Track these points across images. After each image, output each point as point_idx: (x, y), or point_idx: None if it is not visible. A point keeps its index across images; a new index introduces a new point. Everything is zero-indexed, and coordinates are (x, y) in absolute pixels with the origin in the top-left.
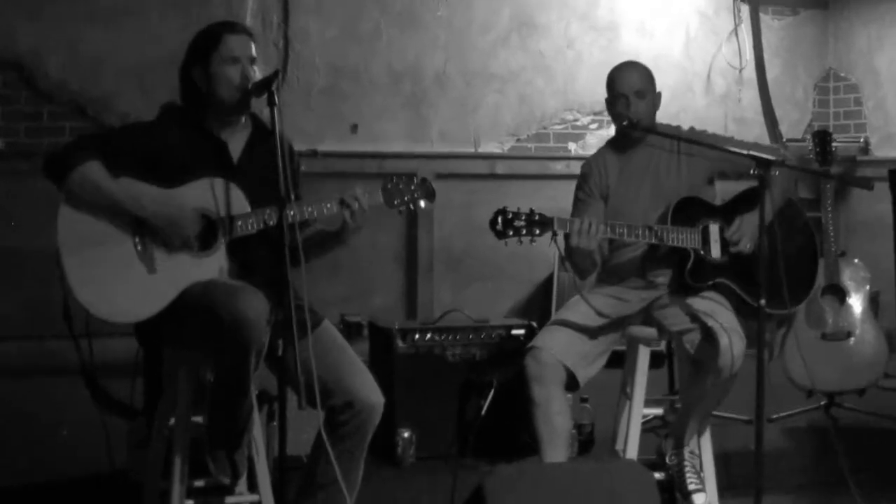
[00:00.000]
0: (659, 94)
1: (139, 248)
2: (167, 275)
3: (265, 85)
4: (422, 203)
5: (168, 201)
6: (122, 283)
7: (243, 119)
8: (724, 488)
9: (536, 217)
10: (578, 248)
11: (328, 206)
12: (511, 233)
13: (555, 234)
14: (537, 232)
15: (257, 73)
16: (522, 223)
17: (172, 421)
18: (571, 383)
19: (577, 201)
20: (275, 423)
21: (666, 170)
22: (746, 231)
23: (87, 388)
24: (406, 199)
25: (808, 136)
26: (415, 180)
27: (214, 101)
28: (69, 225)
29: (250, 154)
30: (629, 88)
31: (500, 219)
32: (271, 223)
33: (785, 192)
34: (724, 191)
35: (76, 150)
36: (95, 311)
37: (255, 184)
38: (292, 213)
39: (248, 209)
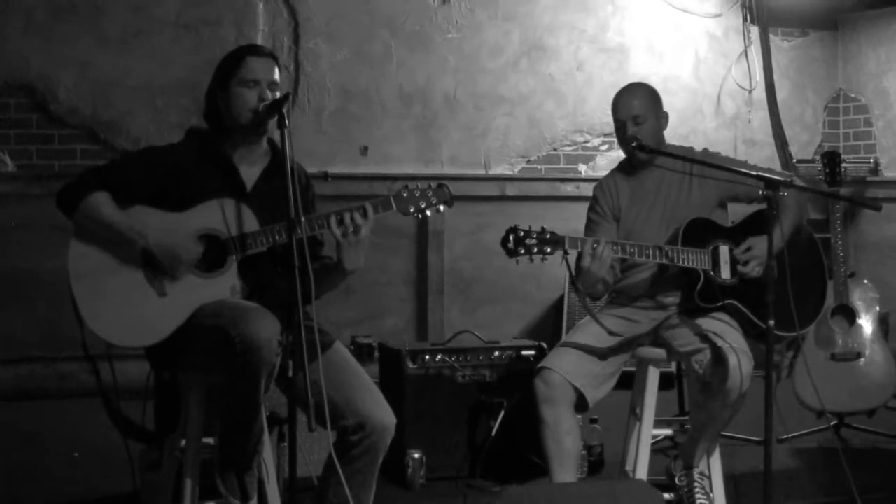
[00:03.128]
0: (666, 115)
1: (148, 273)
2: (178, 297)
3: (275, 107)
4: (440, 208)
5: (171, 229)
6: (133, 308)
7: (263, 145)
8: None
9: (548, 235)
10: (590, 270)
11: (335, 217)
12: (522, 251)
13: (566, 254)
14: (548, 250)
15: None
16: (534, 241)
17: (183, 443)
18: (581, 404)
19: (590, 222)
20: (285, 445)
21: (677, 192)
22: (757, 254)
23: (106, 411)
24: (422, 205)
25: (818, 157)
26: (431, 186)
27: (231, 123)
28: (79, 257)
29: (266, 183)
30: (626, 115)
31: (511, 237)
32: (280, 239)
33: (798, 219)
34: (736, 214)
35: (84, 183)
36: (108, 338)
37: (267, 211)
38: (302, 230)
39: (258, 228)
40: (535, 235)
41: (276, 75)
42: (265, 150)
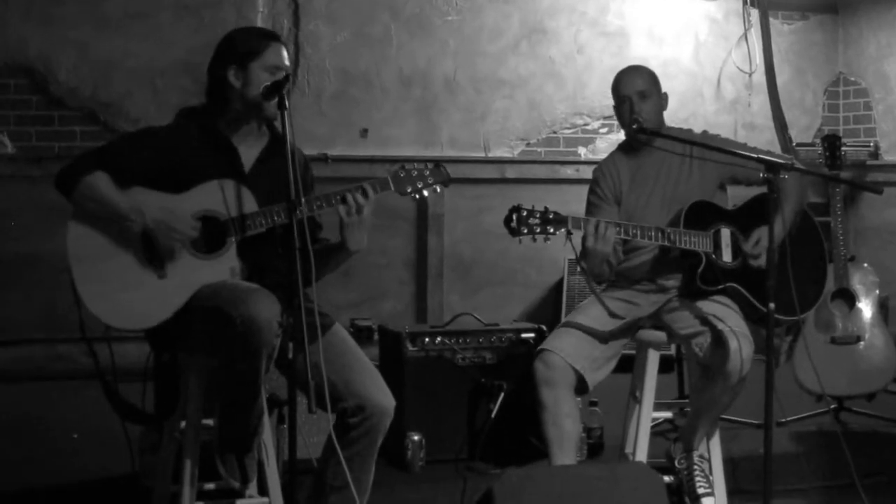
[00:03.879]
0: (665, 96)
1: (148, 254)
2: (177, 279)
3: (276, 89)
4: (437, 188)
5: (171, 208)
6: (132, 290)
7: (260, 128)
8: (733, 492)
9: (551, 215)
10: (595, 249)
11: (336, 197)
12: (525, 231)
13: (569, 234)
14: (551, 230)
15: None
16: (537, 221)
17: (183, 424)
18: (581, 387)
19: (590, 205)
20: (285, 427)
21: (678, 174)
22: (765, 245)
23: (104, 393)
24: (420, 185)
25: (818, 141)
26: (428, 166)
27: (239, 102)
28: (78, 239)
29: (263, 164)
30: (632, 90)
31: (514, 216)
32: (280, 220)
33: (799, 203)
34: (736, 197)
35: (83, 163)
36: (108, 320)
37: (266, 192)
38: (301, 210)
39: (257, 209)
40: (538, 215)
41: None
42: (263, 131)
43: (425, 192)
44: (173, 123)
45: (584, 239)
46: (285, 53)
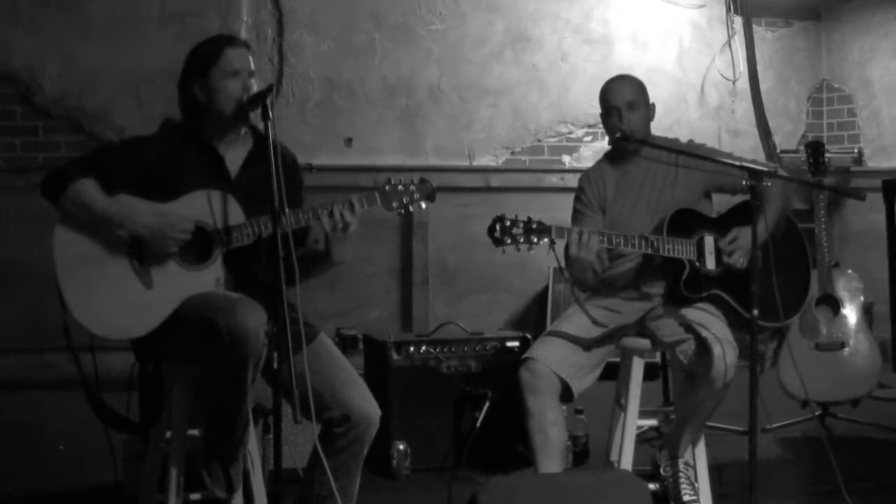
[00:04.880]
0: (653, 106)
1: (135, 264)
2: (164, 289)
3: (259, 98)
4: (422, 204)
5: (161, 214)
6: (119, 300)
7: (243, 132)
8: (719, 499)
9: (534, 225)
10: (578, 258)
11: (323, 210)
12: (509, 240)
13: (552, 243)
14: (535, 240)
15: (255, 86)
16: (520, 230)
17: (168, 434)
18: (566, 394)
19: (576, 213)
20: (270, 436)
21: (663, 182)
22: (742, 245)
23: (88, 402)
24: (405, 200)
25: (802, 147)
26: (413, 181)
27: (214, 114)
28: (64, 246)
29: (249, 169)
30: (621, 100)
31: (498, 226)
32: (266, 232)
33: (783, 210)
34: (721, 205)
35: (70, 170)
36: (94, 329)
37: (252, 198)
38: (287, 222)
39: (244, 220)
40: (521, 225)
41: (253, 64)
42: (246, 134)
43: (411, 208)
44: (157, 133)
45: (567, 247)
46: (244, 54)
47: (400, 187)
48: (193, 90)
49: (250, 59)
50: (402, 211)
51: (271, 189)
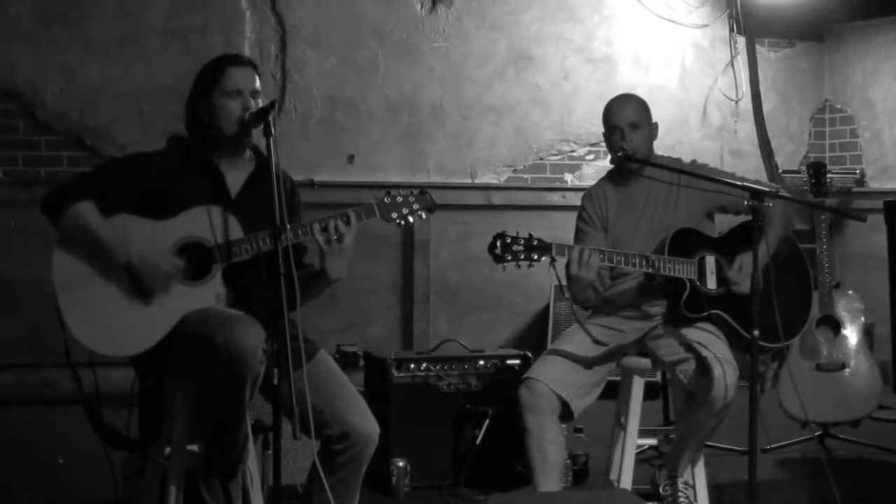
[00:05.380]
0: (656, 126)
1: (133, 282)
2: (163, 306)
3: (261, 115)
4: (422, 215)
5: (155, 240)
6: (118, 317)
7: (247, 154)
8: None
9: (535, 242)
10: (578, 276)
11: (321, 225)
12: (509, 257)
13: (553, 261)
14: (535, 257)
15: (258, 106)
16: (521, 248)
17: (168, 450)
18: (566, 413)
19: (578, 231)
20: (270, 453)
21: (665, 202)
22: (749, 272)
23: (88, 419)
24: (405, 212)
25: (804, 168)
26: (413, 192)
27: (215, 133)
28: (63, 267)
29: (250, 189)
30: (623, 120)
31: (498, 243)
32: (265, 247)
33: (784, 230)
34: (723, 226)
35: (70, 190)
36: (93, 347)
37: (251, 218)
38: (286, 237)
39: (243, 236)
40: (522, 242)
41: (258, 83)
42: (250, 157)
43: (410, 219)
44: (162, 149)
45: (567, 265)
46: (245, 74)
47: (399, 199)
48: (198, 108)
49: (256, 78)
50: (402, 222)
51: (271, 208)
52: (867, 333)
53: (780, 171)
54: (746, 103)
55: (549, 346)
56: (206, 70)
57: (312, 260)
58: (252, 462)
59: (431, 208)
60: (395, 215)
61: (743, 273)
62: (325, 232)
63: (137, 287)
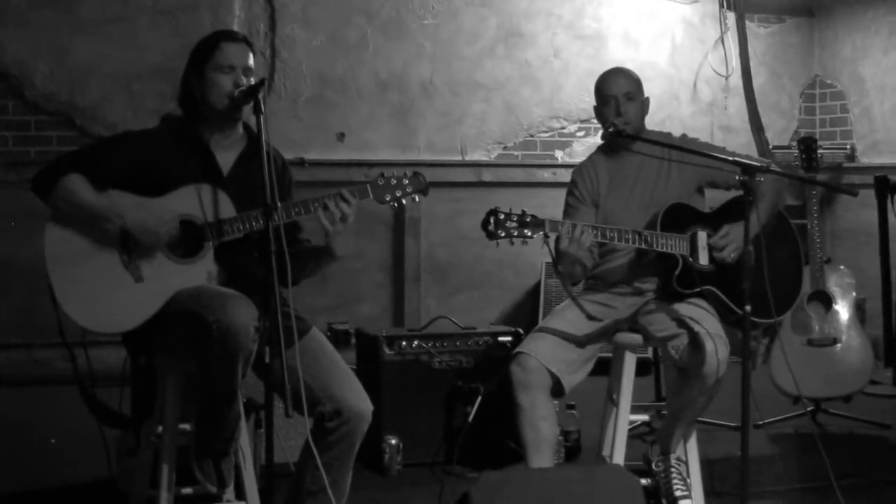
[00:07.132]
0: (647, 100)
1: (125, 258)
2: (154, 283)
3: (251, 93)
4: (416, 198)
5: (149, 209)
6: (109, 294)
7: (238, 131)
8: (710, 494)
9: (528, 218)
10: (567, 252)
11: (315, 204)
12: (503, 233)
13: (546, 237)
14: (528, 233)
15: (249, 82)
16: (514, 224)
17: (160, 429)
18: (557, 389)
19: (568, 207)
20: (262, 431)
21: (656, 177)
22: (733, 239)
23: (82, 398)
24: (398, 194)
25: (795, 144)
26: (406, 174)
27: (207, 109)
28: (55, 242)
29: (242, 167)
30: (618, 90)
31: (492, 219)
32: (257, 226)
33: (775, 205)
34: (713, 201)
35: (59, 166)
36: (84, 323)
37: (244, 196)
38: (278, 216)
39: (234, 214)
40: (515, 218)
41: (251, 61)
42: (241, 135)
43: (403, 201)
44: (154, 128)
45: (557, 240)
46: (239, 50)
47: (393, 181)
48: (191, 83)
49: (249, 55)
50: (395, 204)
51: (262, 186)
52: (858, 308)
53: (771, 146)
54: (736, 79)
55: (541, 323)
56: (200, 45)
57: (309, 237)
58: (244, 440)
59: (425, 190)
60: (388, 197)
61: (726, 238)
62: (327, 211)
63: (129, 259)
